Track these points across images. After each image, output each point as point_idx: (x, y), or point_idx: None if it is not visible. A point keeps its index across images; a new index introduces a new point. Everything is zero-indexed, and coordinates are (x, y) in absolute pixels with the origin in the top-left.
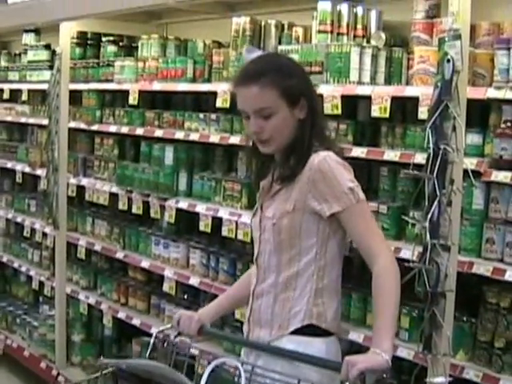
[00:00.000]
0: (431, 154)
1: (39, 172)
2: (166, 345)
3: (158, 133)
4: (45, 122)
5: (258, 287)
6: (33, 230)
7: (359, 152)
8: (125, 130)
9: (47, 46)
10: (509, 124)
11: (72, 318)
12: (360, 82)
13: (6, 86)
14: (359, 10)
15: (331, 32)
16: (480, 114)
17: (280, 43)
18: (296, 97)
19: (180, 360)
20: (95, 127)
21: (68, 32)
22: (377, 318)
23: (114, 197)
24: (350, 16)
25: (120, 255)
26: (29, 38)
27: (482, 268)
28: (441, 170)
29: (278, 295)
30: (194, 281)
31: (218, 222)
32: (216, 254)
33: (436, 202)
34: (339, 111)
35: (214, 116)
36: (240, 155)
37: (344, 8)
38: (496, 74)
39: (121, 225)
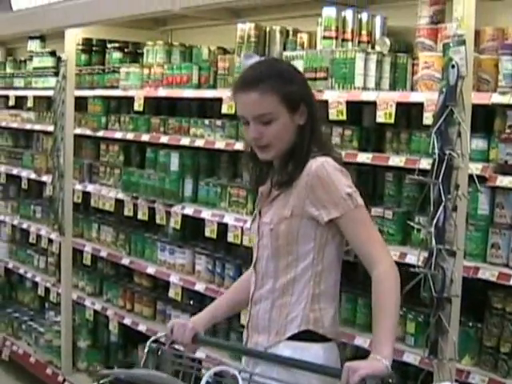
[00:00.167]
0: (436, 160)
1: (45, 178)
2: (159, 354)
3: (164, 139)
4: (50, 128)
5: (256, 293)
6: (38, 237)
7: (364, 158)
8: (130, 136)
9: (52, 53)
10: None
11: (78, 324)
12: (365, 88)
13: (12, 93)
14: (364, 16)
15: (336, 38)
16: (485, 120)
17: (285, 49)
18: (296, 103)
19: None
20: (101, 133)
21: (73, 39)
22: (377, 324)
23: (119, 203)
24: (355, 22)
25: (126, 261)
26: (34, 45)
27: (488, 273)
28: (446, 176)
29: (275, 301)
30: (199, 287)
31: (223, 228)
32: (222, 260)
33: (441, 208)
34: (344, 117)
35: (219, 122)
36: (244, 161)
37: (349, 14)
38: (500, 79)
39: (126, 231)
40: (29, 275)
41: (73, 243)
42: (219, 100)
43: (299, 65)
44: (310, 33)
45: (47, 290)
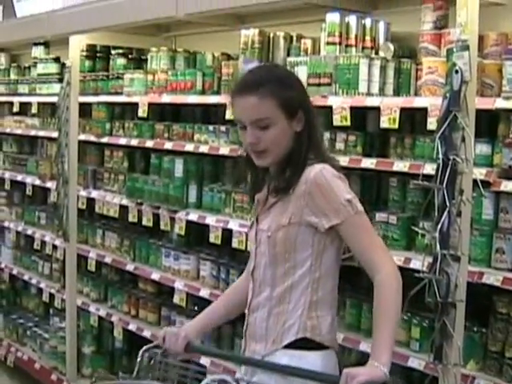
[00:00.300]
0: (440, 165)
1: (49, 184)
2: (152, 363)
3: (168, 145)
4: (55, 134)
5: (253, 301)
6: (43, 243)
7: (368, 163)
8: (134, 142)
9: (57, 59)
10: None
11: (82, 330)
12: (369, 94)
13: (16, 99)
14: (367, 21)
15: (340, 44)
16: (489, 124)
17: (289, 55)
18: (294, 109)
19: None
20: (105, 140)
21: (77, 45)
22: (376, 330)
23: (124, 209)
24: (359, 28)
25: (130, 267)
26: (38, 51)
27: (492, 278)
28: (450, 181)
29: (272, 309)
30: (204, 292)
31: (228, 234)
32: (226, 266)
33: (446, 213)
34: (348, 122)
35: (223, 128)
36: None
37: (352, 20)
38: (504, 84)
39: (131, 237)
40: (33, 281)
41: (77, 249)
42: (223, 106)
43: (303, 71)
44: (313, 39)
45: (52, 296)
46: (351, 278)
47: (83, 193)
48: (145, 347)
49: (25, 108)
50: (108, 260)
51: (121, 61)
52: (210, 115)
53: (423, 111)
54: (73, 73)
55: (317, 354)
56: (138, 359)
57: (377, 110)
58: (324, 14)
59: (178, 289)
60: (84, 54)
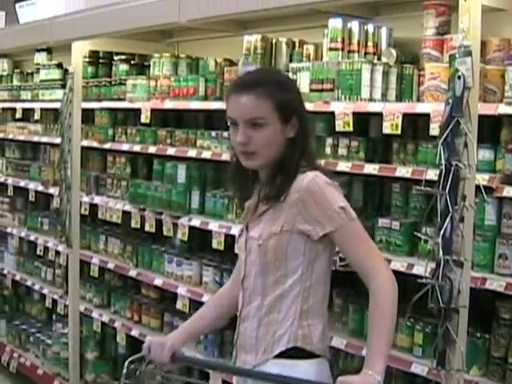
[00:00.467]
0: (443, 171)
1: (52, 190)
2: (138, 374)
3: (171, 151)
4: (57, 140)
5: (244, 310)
6: (46, 249)
7: (371, 169)
8: (137, 148)
9: (59, 65)
10: None
11: (85, 335)
12: (371, 99)
13: (19, 105)
14: (370, 27)
15: (342, 49)
16: (491, 130)
17: (291, 61)
18: (289, 113)
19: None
20: (108, 146)
21: (80, 51)
22: (371, 338)
23: (126, 215)
24: (361, 33)
25: (133, 273)
26: (41, 57)
27: (495, 284)
28: (453, 186)
29: (262, 319)
30: (207, 298)
31: (230, 240)
32: (229, 272)
33: (448, 218)
34: (351, 128)
35: (226, 134)
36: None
37: (355, 25)
38: (507, 89)
39: (134, 243)
40: (36, 287)
41: (80, 255)
42: (226, 112)
43: (305, 76)
44: (316, 44)
45: (55, 301)
46: (354, 283)
47: (86, 199)
48: (130, 358)
49: (27, 114)
50: (111, 266)
51: (123, 67)
52: (213, 121)
53: (426, 117)
54: (75, 79)
55: (308, 362)
56: (124, 371)
57: (379, 115)
58: (326, 19)
59: (180, 294)
60: (87, 59)
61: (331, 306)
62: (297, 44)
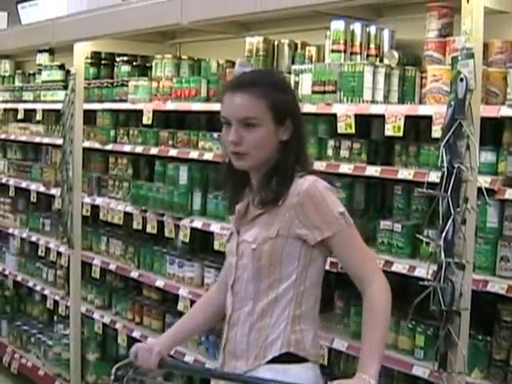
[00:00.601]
0: (445, 173)
1: (54, 191)
2: (125, 381)
3: (172, 152)
4: (59, 141)
5: (233, 315)
6: (47, 250)
7: (373, 171)
8: (139, 149)
9: (61, 66)
10: None
11: (87, 337)
12: (373, 101)
13: (21, 106)
14: (372, 29)
15: (344, 51)
16: (493, 132)
17: (293, 63)
18: (284, 115)
19: None
20: (109, 147)
21: (82, 52)
22: (365, 342)
23: (128, 216)
24: (363, 35)
25: (134, 274)
26: (43, 58)
27: (497, 286)
28: (455, 189)
29: (254, 324)
30: None
31: None
32: None
33: (450, 221)
34: (353, 130)
35: None
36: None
37: (357, 27)
38: (509, 92)
39: (135, 244)
40: (38, 288)
41: (82, 256)
42: None
43: (308, 78)
44: (318, 46)
45: (56, 302)
46: (355, 286)
47: (88, 200)
48: (117, 365)
49: (29, 115)
50: (112, 267)
51: (125, 68)
52: (215, 122)
53: (428, 119)
54: (77, 80)
55: (300, 366)
56: (111, 377)
57: (381, 117)
58: (329, 21)
59: (182, 296)
60: (89, 61)
61: (332, 308)
62: (299, 46)
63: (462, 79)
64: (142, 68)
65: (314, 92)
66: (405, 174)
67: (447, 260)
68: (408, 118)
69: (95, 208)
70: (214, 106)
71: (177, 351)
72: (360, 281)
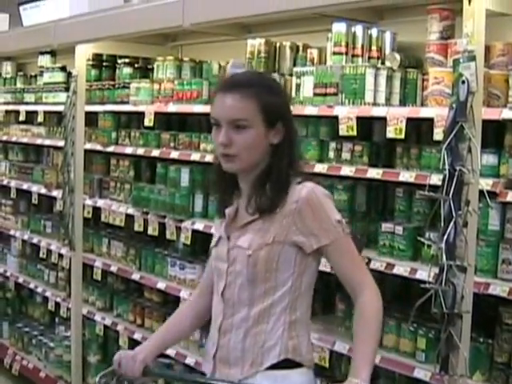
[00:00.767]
0: (447, 175)
1: (55, 193)
2: None
3: (174, 154)
4: (61, 143)
5: (225, 322)
6: (49, 251)
7: (375, 173)
8: (140, 151)
9: (63, 68)
10: None
11: (88, 339)
12: (375, 104)
13: (22, 108)
14: (374, 31)
15: (346, 53)
16: (495, 135)
17: (295, 65)
18: (275, 117)
19: None
20: (111, 149)
21: (84, 54)
22: (356, 347)
23: (129, 218)
24: (365, 37)
25: (136, 276)
26: (44, 60)
27: (499, 289)
28: (456, 191)
29: (249, 330)
30: None
31: None
32: None
33: (452, 223)
34: (354, 132)
35: None
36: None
37: (359, 30)
38: (511, 94)
39: (137, 246)
40: (39, 290)
41: (83, 258)
42: None
43: (309, 80)
44: (320, 48)
45: (57, 304)
46: None
47: (89, 202)
48: (101, 373)
49: (31, 117)
50: (114, 269)
51: (127, 70)
52: None
53: (429, 121)
54: (79, 82)
55: (297, 371)
56: None
57: (383, 120)
58: (330, 23)
59: (183, 298)
60: (90, 62)
61: (334, 310)
62: (300, 48)
63: (463, 81)
64: (144, 70)
65: (315, 94)
66: (406, 176)
67: (449, 262)
68: (410, 120)
69: (97, 210)
70: None
71: (178, 353)
72: (352, 288)
